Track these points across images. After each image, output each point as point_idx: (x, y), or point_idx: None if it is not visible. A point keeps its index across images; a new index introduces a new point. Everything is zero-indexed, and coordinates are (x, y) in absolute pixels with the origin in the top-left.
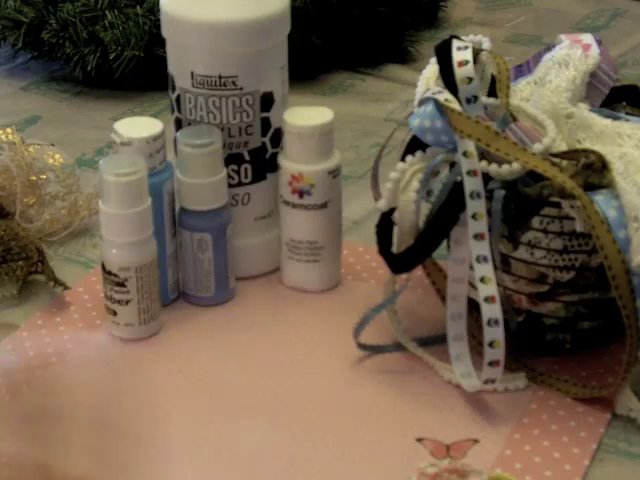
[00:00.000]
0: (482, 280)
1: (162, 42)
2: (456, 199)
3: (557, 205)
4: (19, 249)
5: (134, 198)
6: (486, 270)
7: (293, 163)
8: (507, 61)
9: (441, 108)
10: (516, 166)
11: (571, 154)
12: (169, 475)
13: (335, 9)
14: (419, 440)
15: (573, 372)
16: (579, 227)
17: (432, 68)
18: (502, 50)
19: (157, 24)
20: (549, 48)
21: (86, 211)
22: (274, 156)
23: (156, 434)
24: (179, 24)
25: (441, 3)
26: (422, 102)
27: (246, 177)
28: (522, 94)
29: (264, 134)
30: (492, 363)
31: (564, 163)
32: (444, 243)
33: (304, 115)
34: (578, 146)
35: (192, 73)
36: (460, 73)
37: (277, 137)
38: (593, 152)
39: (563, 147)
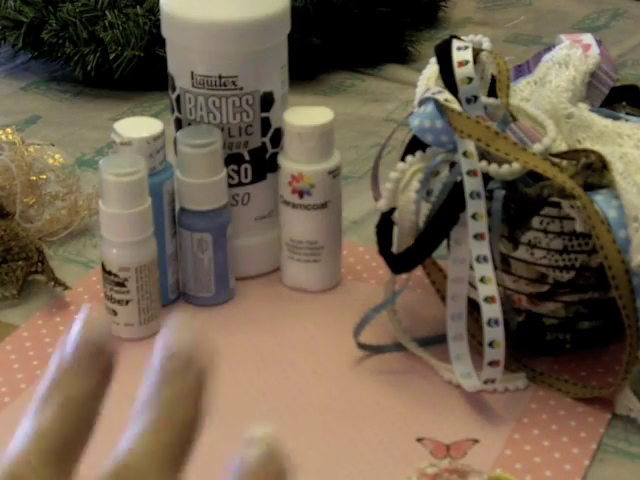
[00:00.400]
0: (482, 280)
1: (162, 42)
2: (456, 199)
3: (557, 205)
4: (19, 249)
5: (134, 198)
6: (486, 270)
7: (293, 163)
8: (507, 61)
9: (441, 108)
10: (516, 166)
11: (571, 154)
12: None
13: (335, 9)
14: (419, 440)
15: (573, 372)
16: (579, 227)
17: (432, 68)
18: (502, 50)
19: (157, 24)
20: (549, 48)
21: (86, 211)
22: (274, 156)
23: None
24: (179, 24)
25: (441, 3)
26: (422, 102)
27: (246, 177)
28: (522, 94)
29: (264, 134)
30: (492, 363)
31: (564, 163)
32: (444, 243)
33: (304, 115)
34: (578, 146)
35: (192, 73)
36: (460, 73)
37: (277, 137)
38: (593, 152)
39: (563, 147)
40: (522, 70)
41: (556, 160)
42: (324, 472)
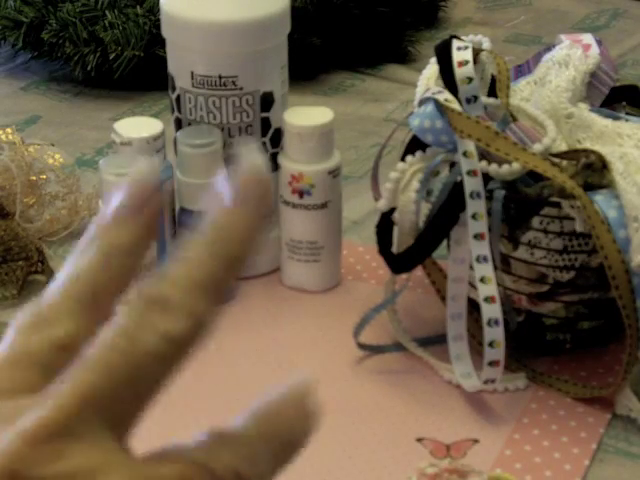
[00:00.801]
0: (482, 280)
1: (162, 42)
2: (456, 199)
3: (557, 205)
4: (19, 249)
5: None
6: (486, 270)
7: (293, 163)
8: (507, 61)
9: (441, 108)
10: (516, 166)
11: (571, 154)
12: None
13: (335, 9)
14: (419, 440)
15: (573, 372)
16: (579, 227)
17: (432, 68)
18: (502, 50)
19: (157, 24)
20: (549, 48)
21: (86, 211)
22: (274, 156)
23: (152, 433)
24: (179, 24)
25: (441, 3)
26: (422, 102)
27: None
28: (522, 94)
29: (264, 134)
30: (492, 363)
31: (564, 163)
32: (444, 243)
33: (304, 115)
34: (578, 146)
35: (192, 73)
36: (460, 73)
37: (277, 137)
38: (593, 152)
39: (563, 147)
40: (522, 70)
41: (556, 160)
42: (324, 472)
